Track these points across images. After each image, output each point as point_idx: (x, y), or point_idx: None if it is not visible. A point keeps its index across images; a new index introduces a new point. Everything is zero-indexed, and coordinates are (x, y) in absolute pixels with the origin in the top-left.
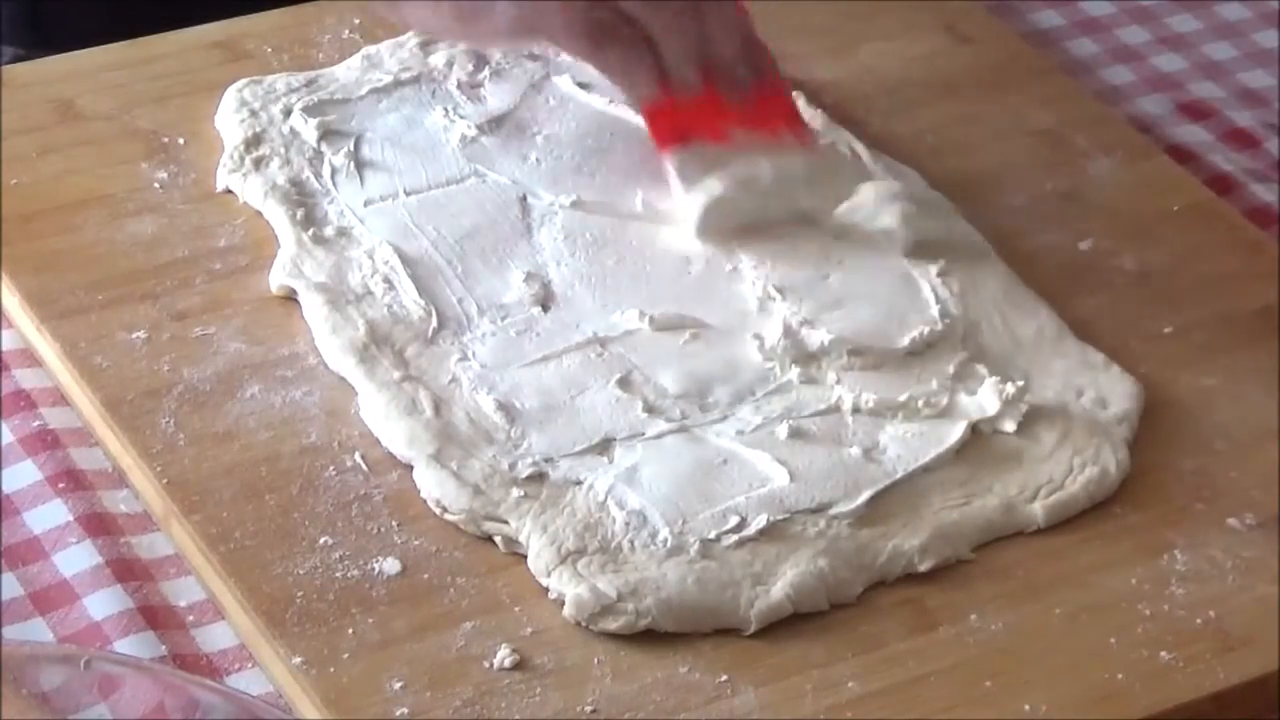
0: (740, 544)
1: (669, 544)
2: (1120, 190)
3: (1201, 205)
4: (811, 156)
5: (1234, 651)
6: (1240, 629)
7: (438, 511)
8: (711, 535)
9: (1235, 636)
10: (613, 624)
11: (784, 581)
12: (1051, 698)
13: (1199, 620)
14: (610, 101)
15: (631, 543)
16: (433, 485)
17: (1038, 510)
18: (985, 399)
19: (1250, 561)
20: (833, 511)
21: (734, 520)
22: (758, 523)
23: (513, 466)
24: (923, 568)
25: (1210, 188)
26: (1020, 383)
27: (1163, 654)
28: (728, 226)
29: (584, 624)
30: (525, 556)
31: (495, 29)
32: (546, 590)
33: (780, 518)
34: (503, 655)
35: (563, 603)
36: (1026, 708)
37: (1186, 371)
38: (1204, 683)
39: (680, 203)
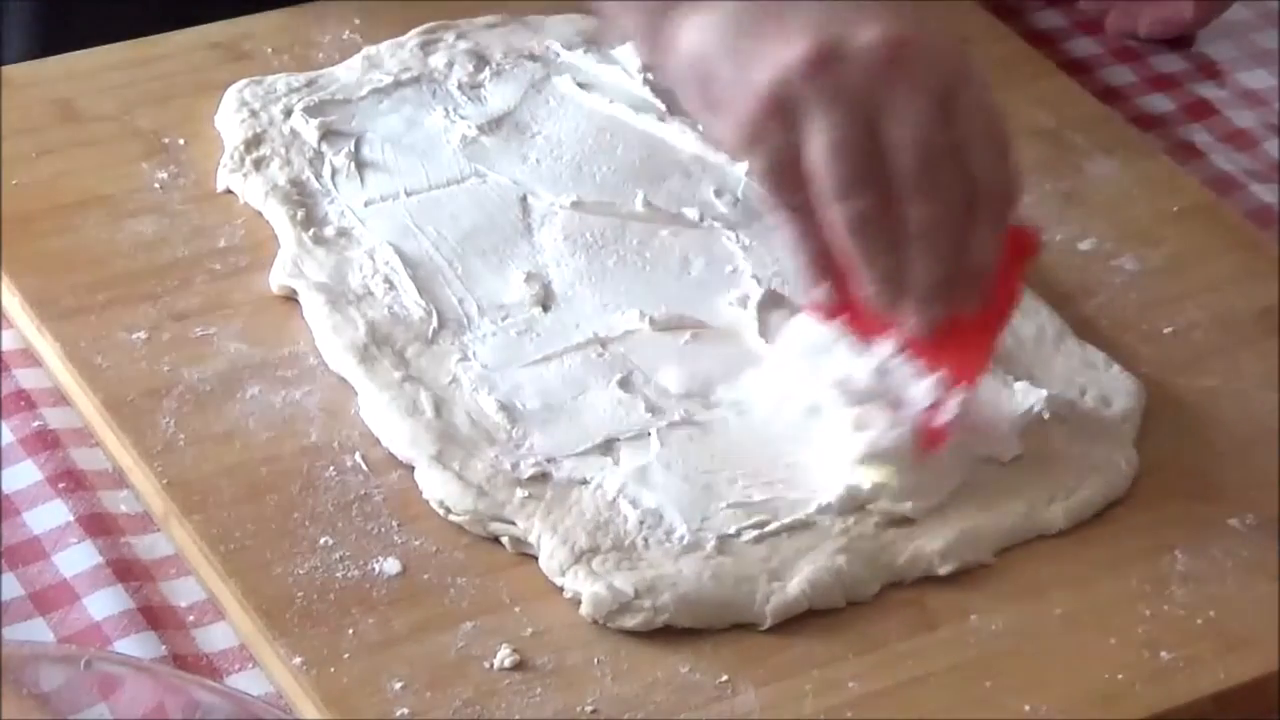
0: (759, 540)
1: (685, 540)
2: (1120, 190)
3: (1201, 205)
4: (930, 453)
5: (1234, 651)
6: (1240, 629)
7: (441, 512)
8: (731, 531)
9: (1235, 636)
10: (630, 621)
11: (801, 578)
12: (1051, 698)
13: (1199, 620)
14: (610, 101)
15: (645, 540)
16: (436, 486)
17: (1058, 513)
18: None
19: (1250, 561)
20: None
21: (756, 516)
22: (780, 519)
23: (515, 467)
24: (942, 571)
25: (1210, 188)
26: (1043, 393)
27: (1163, 654)
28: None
29: (601, 622)
30: (531, 556)
31: None
32: (554, 590)
33: (805, 514)
34: (503, 655)
35: (570, 602)
36: (1026, 708)
37: (1186, 371)
38: (1204, 683)
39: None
